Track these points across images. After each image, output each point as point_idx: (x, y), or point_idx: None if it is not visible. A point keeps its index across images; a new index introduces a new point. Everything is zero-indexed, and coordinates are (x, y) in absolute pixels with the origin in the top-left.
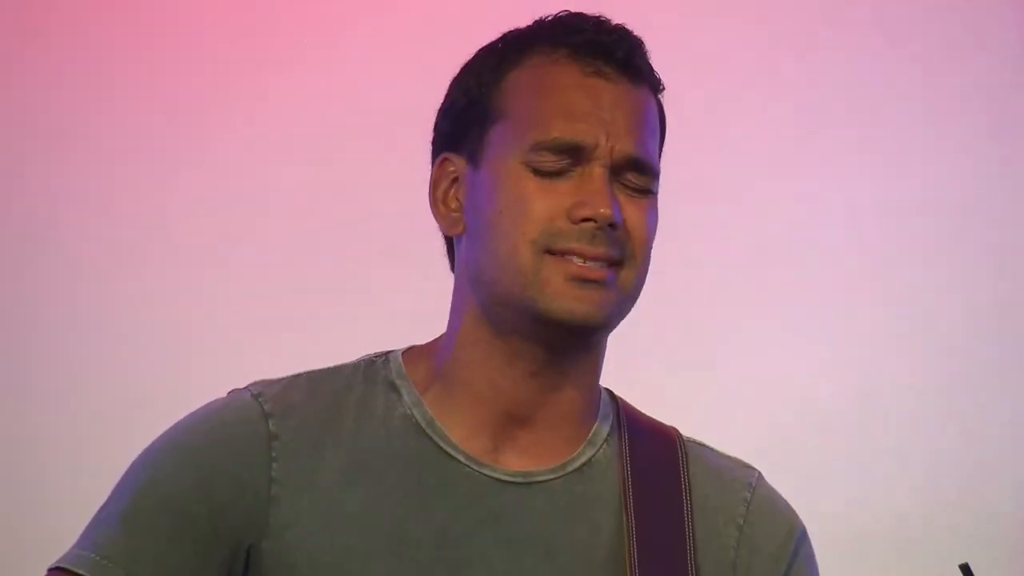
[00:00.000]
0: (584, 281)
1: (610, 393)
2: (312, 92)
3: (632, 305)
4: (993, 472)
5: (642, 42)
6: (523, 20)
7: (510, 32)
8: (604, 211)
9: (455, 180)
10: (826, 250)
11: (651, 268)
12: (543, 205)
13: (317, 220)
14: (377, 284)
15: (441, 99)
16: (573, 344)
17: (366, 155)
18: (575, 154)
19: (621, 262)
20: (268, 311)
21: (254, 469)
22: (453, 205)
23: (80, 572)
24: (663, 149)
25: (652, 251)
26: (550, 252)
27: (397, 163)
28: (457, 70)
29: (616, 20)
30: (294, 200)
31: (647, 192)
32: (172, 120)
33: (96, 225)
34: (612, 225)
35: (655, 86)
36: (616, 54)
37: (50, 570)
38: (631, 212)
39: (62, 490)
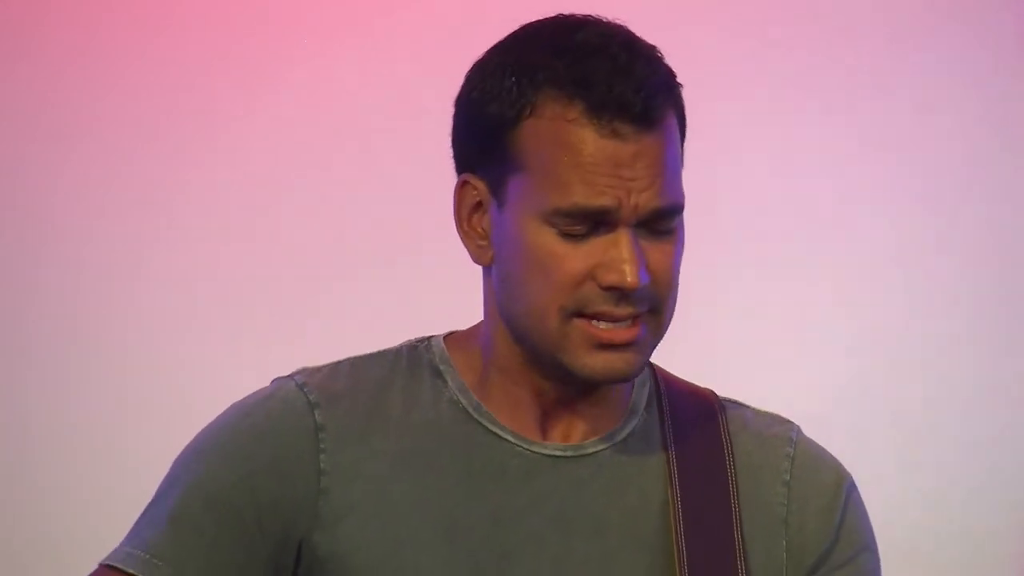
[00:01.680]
0: (612, 346)
1: None
2: (315, 92)
3: (663, 336)
4: (997, 477)
5: (653, 62)
6: (528, 18)
7: (519, 52)
8: (631, 280)
9: (479, 204)
10: (823, 247)
11: None
12: (570, 268)
13: (320, 221)
14: (382, 284)
15: (446, 102)
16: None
17: (372, 155)
18: (598, 218)
19: (649, 311)
20: (271, 311)
21: (302, 462)
22: (480, 231)
23: (130, 571)
24: (684, 142)
25: (679, 275)
26: (579, 315)
27: (405, 163)
28: (462, 68)
29: (611, 18)
30: (297, 200)
31: (673, 230)
32: (173, 120)
33: (96, 225)
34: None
35: (674, 100)
36: (633, 109)
37: (100, 566)
38: (656, 259)
39: (62, 489)
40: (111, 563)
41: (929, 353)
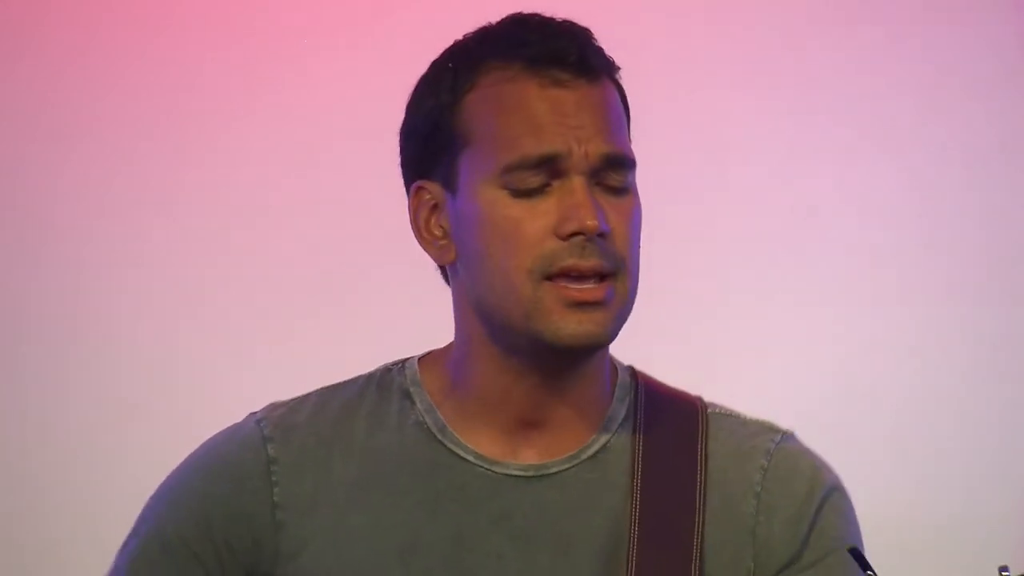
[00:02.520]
0: (583, 304)
1: (632, 372)
2: (315, 92)
3: (631, 310)
4: (993, 471)
5: (589, 33)
6: None
7: (459, 45)
8: (591, 223)
9: (434, 207)
10: (824, 248)
11: (644, 267)
12: (530, 228)
13: (320, 220)
14: (378, 287)
15: None
16: (579, 360)
17: (372, 155)
18: (550, 167)
19: (614, 273)
20: (271, 310)
21: (256, 498)
22: (438, 233)
23: None
24: (631, 130)
25: (640, 247)
26: (548, 278)
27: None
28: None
29: (612, 20)
30: (297, 200)
31: (627, 189)
32: (173, 120)
33: (96, 225)
34: (601, 234)
35: (611, 72)
36: (569, 58)
37: None
38: (615, 219)
39: (62, 489)
40: None
41: (927, 351)
